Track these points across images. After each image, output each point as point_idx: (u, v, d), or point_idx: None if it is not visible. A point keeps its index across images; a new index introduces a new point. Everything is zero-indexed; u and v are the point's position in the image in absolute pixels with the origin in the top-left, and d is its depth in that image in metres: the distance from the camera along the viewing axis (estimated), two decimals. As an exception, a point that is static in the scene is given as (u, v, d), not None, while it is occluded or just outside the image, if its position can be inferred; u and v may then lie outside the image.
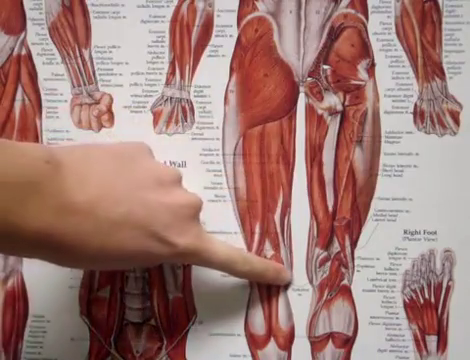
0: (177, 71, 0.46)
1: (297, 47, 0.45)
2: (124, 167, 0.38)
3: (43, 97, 0.47)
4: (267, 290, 0.46)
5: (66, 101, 0.47)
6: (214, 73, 0.46)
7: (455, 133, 0.45)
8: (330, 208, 0.45)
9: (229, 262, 0.42)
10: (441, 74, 0.45)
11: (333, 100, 0.45)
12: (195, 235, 0.40)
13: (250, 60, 0.45)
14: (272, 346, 0.46)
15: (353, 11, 0.45)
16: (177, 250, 0.39)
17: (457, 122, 0.45)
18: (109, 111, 0.46)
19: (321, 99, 0.45)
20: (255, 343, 0.46)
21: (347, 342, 0.45)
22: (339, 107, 0.45)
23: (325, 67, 0.45)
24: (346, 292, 0.45)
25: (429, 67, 0.45)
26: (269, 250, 0.46)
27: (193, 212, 0.40)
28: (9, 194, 0.32)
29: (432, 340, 0.45)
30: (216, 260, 0.41)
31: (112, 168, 0.38)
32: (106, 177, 0.37)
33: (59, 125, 0.46)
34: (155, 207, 0.38)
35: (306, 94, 0.46)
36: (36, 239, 0.34)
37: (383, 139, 0.45)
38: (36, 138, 0.46)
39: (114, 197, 0.36)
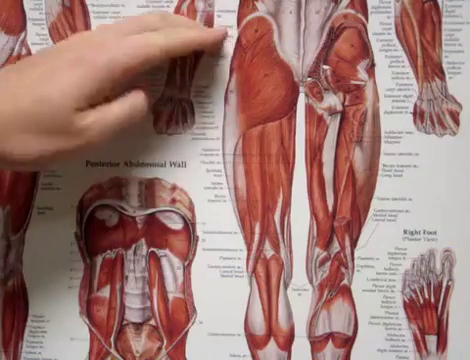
0: (177, 71, 0.46)
1: (297, 47, 0.45)
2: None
3: (43, 97, 0.47)
4: (267, 290, 0.46)
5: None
6: (214, 73, 0.46)
7: (455, 133, 0.45)
8: (330, 208, 0.45)
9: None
10: (441, 74, 0.45)
11: (333, 100, 0.45)
12: (109, 40, 0.39)
13: (250, 60, 0.45)
14: (272, 346, 0.46)
15: (353, 11, 0.45)
16: (83, 57, 0.39)
17: (457, 122, 0.45)
18: (109, 111, 0.46)
19: (321, 99, 0.45)
20: (255, 343, 0.46)
21: (347, 342, 0.45)
22: (339, 107, 0.45)
23: (325, 67, 0.45)
24: (346, 292, 0.45)
25: (429, 67, 0.45)
26: (269, 250, 0.46)
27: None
28: None
29: (432, 340, 0.45)
30: (119, 52, 0.39)
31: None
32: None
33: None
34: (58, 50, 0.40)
35: (306, 94, 0.46)
36: None
37: (383, 139, 0.45)
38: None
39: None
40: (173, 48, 0.41)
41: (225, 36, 0.45)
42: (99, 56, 0.39)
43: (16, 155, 0.38)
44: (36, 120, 0.38)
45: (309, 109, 0.46)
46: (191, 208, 0.46)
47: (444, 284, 0.45)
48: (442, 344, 0.45)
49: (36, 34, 0.46)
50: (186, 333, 0.46)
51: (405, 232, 0.45)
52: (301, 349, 0.46)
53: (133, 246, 0.46)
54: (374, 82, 0.45)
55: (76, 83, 0.38)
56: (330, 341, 0.45)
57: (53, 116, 0.38)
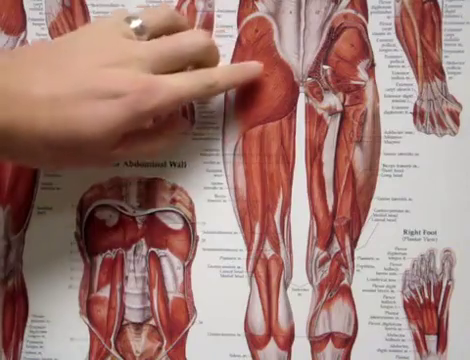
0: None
1: (297, 47, 0.45)
2: (48, 48, 0.40)
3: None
4: (267, 290, 0.46)
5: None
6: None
7: (455, 133, 0.45)
8: (330, 208, 0.45)
9: (194, 85, 0.40)
10: (441, 74, 0.45)
11: (333, 100, 0.45)
12: (142, 81, 0.38)
13: (250, 60, 0.45)
14: (272, 346, 0.46)
15: (353, 11, 0.45)
16: (130, 100, 0.38)
17: (457, 122, 0.45)
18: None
19: (321, 99, 0.45)
20: (255, 343, 0.46)
21: (347, 342, 0.45)
22: (339, 107, 0.45)
23: (325, 67, 0.45)
24: (346, 292, 0.45)
25: (429, 67, 0.45)
26: (269, 250, 0.46)
27: (131, 64, 0.38)
28: None
29: (432, 340, 0.45)
30: (178, 91, 0.40)
31: (38, 52, 0.39)
32: (39, 56, 0.38)
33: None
34: (86, 73, 0.38)
35: (306, 94, 0.46)
36: None
37: (383, 139, 0.45)
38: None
39: (40, 72, 0.37)
40: (219, 92, 0.43)
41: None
42: (149, 102, 0.38)
43: (41, 164, 0.42)
44: (67, 147, 0.38)
45: (309, 109, 0.46)
46: (191, 208, 0.46)
47: (444, 284, 0.45)
48: (442, 344, 0.45)
49: (36, 34, 0.46)
50: (186, 333, 0.46)
51: (405, 232, 0.45)
52: (301, 349, 0.46)
53: (133, 246, 0.46)
54: (374, 82, 0.45)
55: (119, 124, 0.38)
56: (330, 341, 0.45)
57: (87, 149, 0.39)
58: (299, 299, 0.46)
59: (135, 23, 0.40)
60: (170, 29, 0.42)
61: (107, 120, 0.38)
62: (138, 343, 0.46)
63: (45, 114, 0.36)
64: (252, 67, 0.45)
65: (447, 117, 0.45)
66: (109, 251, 0.46)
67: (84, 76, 0.37)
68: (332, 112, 0.45)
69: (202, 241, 0.46)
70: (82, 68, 0.38)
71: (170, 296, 0.46)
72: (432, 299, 0.45)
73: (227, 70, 0.44)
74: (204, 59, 0.42)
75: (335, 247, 0.45)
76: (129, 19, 0.40)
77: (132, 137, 0.40)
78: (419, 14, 0.45)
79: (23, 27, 0.46)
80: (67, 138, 0.37)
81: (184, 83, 0.40)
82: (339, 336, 0.45)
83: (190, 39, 0.41)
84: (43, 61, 0.38)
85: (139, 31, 0.40)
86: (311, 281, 0.46)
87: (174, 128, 0.45)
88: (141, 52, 0.39)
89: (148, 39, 0.41)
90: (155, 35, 0.41)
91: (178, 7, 0.46)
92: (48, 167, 0.45)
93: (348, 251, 0.45)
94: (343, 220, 0.45)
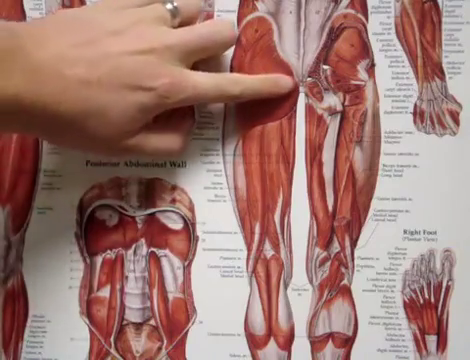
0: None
1: (297, 47, 0.45)
2: (82, 23, 0.39)
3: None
4: (267, 290, 0.46)
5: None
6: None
7: (455, 133, 0.45)
8: (330, 208, 0.45)
9: (219, 90, 0.42)
10: (441, 74, 0.45)
11: (333, 100, 0.45)
12: (171, 75, 0.39)
13: (250, 60, 0.45)
14: (272, 346, 0.46)
15: (353, 11, 0.45)
16: (157, 94, 0.39)
17: (457, 122, 0.45)
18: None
19: (321, 99, 0.45)
20: (255, 343, 0.46)
21: (347, 342, 0.45)
22: (339, 107, 0.45)
23: (325, 67, 0.45)
24: (346, 292, 0.45)
25: (429, 67, 0.45)
26: (269, 250, 0.46)
27: (162, 54, 0.39)
28: None
29: (432, 340, 0.45)
30: (204, 92, 0.41)
31: (68, 27, 0.38)
32: (63, 35, 0.38)
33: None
34: (117, 58, 0.38)
35: (306, 94, 0.46)
36: (10, 106, 0.36)
37: (383, 139, 0.45)
38: (36, 138, 0.46)
39: (75, 54, 0.37)
40: (243, 99, 0.44)
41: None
42: (173, 97, 0.40)
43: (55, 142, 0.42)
44: (84, 132, 0.39)
45: (309, 109, 0.46)
46: (191, 208, 0.46)
47: (444, 284, 0.45)
48: (442, 344, 0.45)
49: (36, 34, 0.46)
50: (186, 333, 0.46)
51: (405, 232, 0.45)
52: (301, 349, 0.46)
53: (133, 246, 0.46)
54: (374, 82, 0.45)
55: (140, 113, 0.39)
56: (330, 341, 0.45)
57: (101, 140, 0.40)
58: (299, 299, 0.46)
59: (170, 5, 0.41)
60: (196, 18, 0.43)
61: (129, 108, 0.39)
62: (138, 343, 0.46)
63: (73, 95, 0.37)
64: (284, 82, 0.45)
65: (447, 117, 0.45)
66: (109, 251, 0.46)
67: (117, 62, 0.38)
68: (332, 112, 0.45)
69: (202, 241, 0.46)
70: (114, 52, 0.38)
71: (170, 296, 0.46)
72: (432, 299, 0.45)
73: (257, 81, 0.44)
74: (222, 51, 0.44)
75: (335, 247, 0.45)
76: (165, 1, 0.41)
77: (148, 129, 0.41)
78: (419, 14, 0.45)
79: (23, 27, 0.46)
80: (86, 119, 0.38)
81: (211, 87, 0.41)
82: (339, 336, 0.45)
83: (221, 30, 0.42)
84: (75, 38, 0.38)
85: (174, 13, 0.41)
86: (311, 281, 0.46)
87: (185, 125, 0.45)
88: (173, 41, 0.40)
89: (179, 25, 0.41)
90: (185, 22, 0.41)
91: (178, 7, 0.46)
92: (55, 141, 0.43)
93: (348, 251, 0.45)
94: (343, 220, 0.45)
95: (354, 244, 0.45)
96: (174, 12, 0.41)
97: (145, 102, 0.39)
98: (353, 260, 0.45)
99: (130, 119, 0.39)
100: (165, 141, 0.43)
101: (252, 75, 0.45)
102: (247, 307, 0.46)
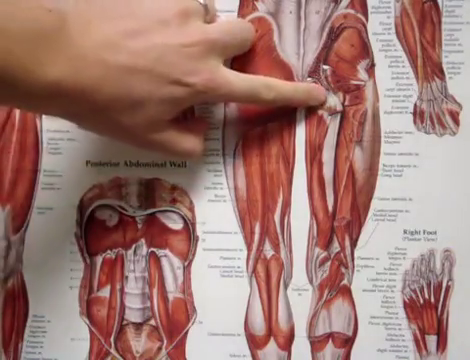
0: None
1: (297, 47, 0.45)
2: (127, 9, 0.38)
3: (43, 97, 0.47)
4: (267, 290, 0.46)
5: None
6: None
7: (455, 133, 0.45)
8: (330, 208, 0.45)
9: (252, 92, 0.42)
10: (441, 74, 0.45)
11: (333, 100, 0.45)
12: (210, 71, 0.39)
13: (250, 60, 0.45)
14: (272, 346, 0.46)
15: (353, 11, 0.45)
16: (194, 89, 0.39)
17: (457, 122, 0.45)
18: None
19: (321, 99, 0.45)
20: (255, 343, 0.46)
21: (347, 342, 0.45)
22: (339, 107, 0.45)
23: (325, 67, 0.45)
24: (346, 292, 0.45)
25: (429, 67, 0.45)
26: (269, 250, 0.46)
27: (203, 49, 0.39)
28: (20, 45, 0.34)
29: (432, 340, 0.45)
30: (238, 93, 0.41)
31: (114, 13, 0.38)
32: (110, 21, 0.37)
33: (59, 125, 0.46)
34: (161, 50, 0.38)
35: (306, 94, 0.46)
36: (52, 90, 0.35)
37: (383, 139, 0.45)
38: (36, 138, 0.46)
39: (120, 42, 0.37)
40: (272, 105, 0.44)
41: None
42: (208, 94, 0.40)
43: (85, 126, 0.41)
44: (116, 119, 0.39)
45: (309, 109, 0.45)
46: (191, 208, 0.46)
47: (444, 284, 0.45)
48: (442, 344, 0.45)
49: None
50: (186, 333, 0.46)
51: (405, 232, 0.45)
52: (301, 349, 0.46)
53: (133, 246, 0.46)
54: (374, 82, 0.45)
55: (174, 107, 0.40)
56: (330, 341, 0.45)
57: (130, 128, 0.39)
58: (299, 299, 0.46)
59: (202, 0, 0.41)
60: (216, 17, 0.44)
61: (164, 100, 0.39)
62: (138, 343, 0.46)
63: (113, 82, 0.37)
64: (317, 93, 0.45)
65: (447, 117, 0.45)
66: (109, 251, 0.46)
67: (160, 54, 0.38)
68: (332, 112, 0.45)
69: (202, 241, 0.46)
70: (158, 44, 0.38)
71: (170, 296, 0.46)
72: (432, 299, 0.45)
73: (290, 89, 0.44)
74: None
75: (335, 247, 0.45)
76: None
77: (178, 129, 0.41)
78: (419, 14, 0.45)
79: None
80: (122, 107, 0.38)
81: (246, 89, 0.41)
82: (339, 336, 0.45)
83: (246, 29, 0.44)
84: (121, 25, 0.38)
85: (206, 9, 0.41)
86: (311, 281, 0.46)
87: (202, 127, 0.45)
88: (216, 36, 0.40)
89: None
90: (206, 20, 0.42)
91: (178, 7, 0.46)
92: (85, 125, 0.42)
93: (348, 251, 0.45)
94: (343, 220, 0.45)
95: (354, 244, 0.45)
96: (205, 8, 0.41)
97: (180, 95, 0.39)
98: (353, 260, 0.45)
99: (161, 111, 0.39)
100: (191, 142, 0.43)
101: (285, 81, 0.45)
102: (247, 307, 0.46)
